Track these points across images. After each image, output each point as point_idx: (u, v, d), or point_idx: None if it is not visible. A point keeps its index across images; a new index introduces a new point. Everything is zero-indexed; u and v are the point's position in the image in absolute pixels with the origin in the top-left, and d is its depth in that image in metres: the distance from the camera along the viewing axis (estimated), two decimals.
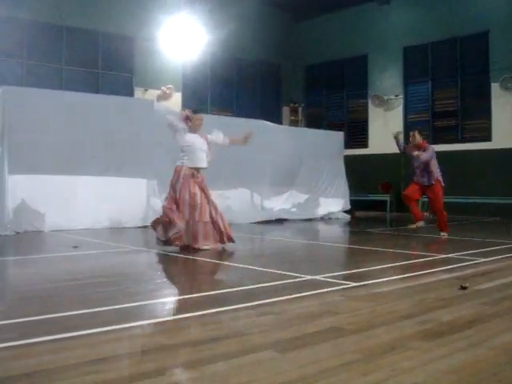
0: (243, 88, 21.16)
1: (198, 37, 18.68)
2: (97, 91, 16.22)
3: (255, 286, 5.29)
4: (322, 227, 13.66)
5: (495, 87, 16.76)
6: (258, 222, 13.51)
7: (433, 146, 11.26)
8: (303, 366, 3.00)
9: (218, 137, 8.74)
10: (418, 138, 10.76)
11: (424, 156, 10.43)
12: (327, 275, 5.92)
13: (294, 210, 15.20)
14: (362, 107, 20.49)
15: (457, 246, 9.10)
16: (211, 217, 8.13)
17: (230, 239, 8.32)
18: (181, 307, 4.55)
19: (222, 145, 8.85)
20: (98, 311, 4.24)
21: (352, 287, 5.29)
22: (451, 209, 16.92)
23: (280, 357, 3.16)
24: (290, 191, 15.48)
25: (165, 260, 7.42)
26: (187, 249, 7.92)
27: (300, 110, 22.29)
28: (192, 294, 5.06)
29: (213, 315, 4.18)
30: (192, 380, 2.81)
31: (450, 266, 6.64)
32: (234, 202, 13.78)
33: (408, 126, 19.04)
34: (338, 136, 17.24)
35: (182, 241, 7.96)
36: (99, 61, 17.28)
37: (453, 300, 4.74)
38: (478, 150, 16.94)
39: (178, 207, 8.04)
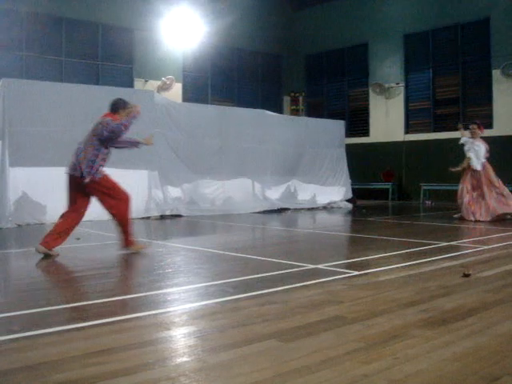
0: (244, 78, 21.13)
1: (198, 27, 18.65)
2: (97, 83, 16.22)
3: (257, 276, 5.29)
4: (323, 216, 13.65)
5: (496, 74, 16.71)
6: (260, 212, 13.51)
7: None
8: (306, 355, 2.99)
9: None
10: None
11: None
12: (329, 264, 5.92)
13: (295, 199, 15.19)
14: (362, 96, 20.45)
15: (459, 234, 9.09)
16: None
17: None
18: (183, 298, 4.54)
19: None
20: (101, 303, 4.23)
21: (354, 276, 5.29)
22: (452, 196, 16.94)
23: (283, 346, 3.16)
24: (292, 180, 15.47)
25: (166, 251, 7.42)
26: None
27: (301, 99, 22.25)
28: (194, 284, 5.06)
29: (215, 305, 4.18)
30: (195, 370, 2.81)
31: (453, 254, 6.64)
32: (235, 192, 13.79)
33: (409, 114, 19.03)
34: (339, 125, 17.21)
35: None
36: (99, 52, 17.26)
37: (455, 288, 4.73)
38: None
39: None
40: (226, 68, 20.56)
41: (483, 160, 11.57)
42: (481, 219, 11.09)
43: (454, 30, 17.90)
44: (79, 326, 3.55)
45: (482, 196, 11.32)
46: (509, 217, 11.44)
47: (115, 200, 6.95)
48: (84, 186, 6.85)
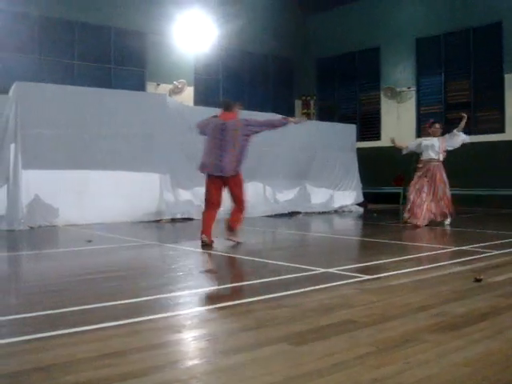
0: (255, 81, 21.14)
1: (210, 31, 18.69)
2: (109, 86, 16.26)
3: (269, 280, 5.29)
4: (335, 220, 13.63)
5: (508, 78, 16.64)
6: (271, 216, 13.50)
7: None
8: (318, 358, 2.99)
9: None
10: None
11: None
12: (341, 268, 5.91)
13: (306, 203, 15.17)
14: (374, 99, 20.41)
15: (470, 239, 9.06)
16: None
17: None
18: (194, 301, 4.55)
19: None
20: (111, 305, 4.25)
21: (366, 280, 5.28)
22: (464, 201, 16.89)
23: (294, 350, 3.16)
24: (303, 184, 15.45)
25: (178, 254, 7.43)
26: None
27: (312, 102, 22.24)
28: (205, 287, 5.07)
29: (226, 308, 4.18)
30: (206, 373, 2.81)
31: (464, 259, 6.62)
32: (246, 196, 13.76)
33: (421, 118, 18.98)
34: (351, 129, 17.19)
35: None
36: (111, 56, 17.32)
37: (467, 292, 4.71)
38: (491, 142, 16.83)
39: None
40: (237, 71, 20.57)
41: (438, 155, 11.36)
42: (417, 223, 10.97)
43: (465, 34, 17.84)
44: (90, 328, 3.56)
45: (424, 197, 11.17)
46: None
47: (242, 193, 8.13)
48: (226, 181, 7.91)
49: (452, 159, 11.47)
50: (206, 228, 7.90)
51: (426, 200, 11.11)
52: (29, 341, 3.30)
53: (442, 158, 11.43)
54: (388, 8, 19.64)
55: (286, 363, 2.93)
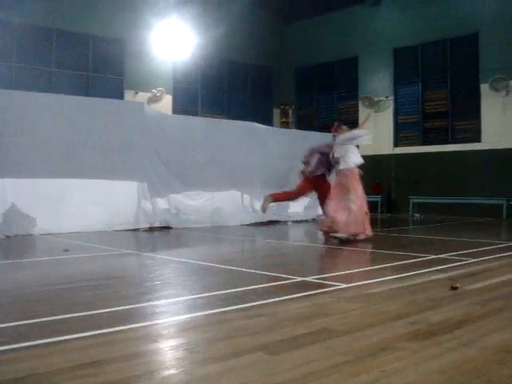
0: (234, 90, 21.18)
1: (189, 39, 18.71)
2: (87, 94, 16.20)
3: (245, 288, 5.28)
4: (312, 229, 13.65)
5: (485, 88, 16.83)
6: (249, 224, 13.51)
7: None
8: (294, 367, 2.99)
9: None
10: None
11: None
12: (318, 277, 5.93)
13: (285, 211, 15.18)
14: (352, 109, 20.53)
15: (447, 247, 9.12)
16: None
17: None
18: (171, 310, 4.54)
19: None
20: (89, 315, 4.22)
21: (343, 288, 5.30)
22: (441, 209, 17.02)
23: (270, 359, 3.15)
24: None
25: (155, 263, 7.40)
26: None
27: (291, 111, 22.31)
28: (182, 296, 5.05)
29: (203, 318, 4.17)
30: (182, 383, 2.80)
31: (441, 267, 6.66)
32: (224, 204, 13.78)
33: (398, 127, 19.12)
34: (329, 138, 17.22)
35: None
36: (89, 64, 17.27)
37: (443, 300, 4.74)
38: (467, 151, 17.01)
39: None
40: (216, 80, 20.60)
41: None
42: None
43: (442, 44, 18.05)
44: (67, 338, 3.53)
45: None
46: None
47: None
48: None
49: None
50: (277, 195, 11.81)
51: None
52: (4, 352, 3.26)
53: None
54: (366, 18, 19.81)
55: (263, 372, 2.93)
